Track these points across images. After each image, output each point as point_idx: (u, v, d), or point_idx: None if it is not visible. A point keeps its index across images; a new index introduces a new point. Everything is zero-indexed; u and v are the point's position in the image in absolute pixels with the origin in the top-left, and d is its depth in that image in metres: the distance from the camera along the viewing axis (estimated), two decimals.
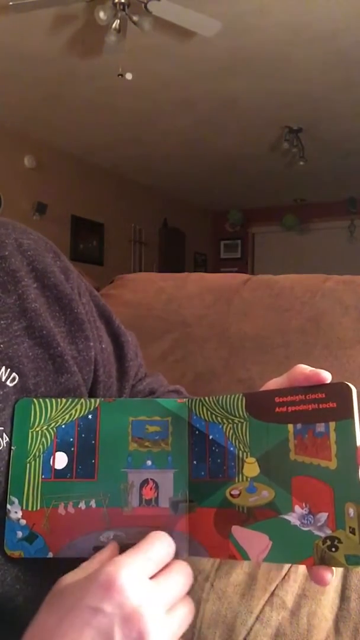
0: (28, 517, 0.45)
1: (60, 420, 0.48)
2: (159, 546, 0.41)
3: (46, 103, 4.48)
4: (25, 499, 0.45)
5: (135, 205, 6.56)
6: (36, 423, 0.47)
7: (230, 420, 0.46)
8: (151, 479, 0.46)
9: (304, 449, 0.41)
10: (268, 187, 6.83)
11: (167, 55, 3.69)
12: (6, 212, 4.82)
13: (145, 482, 0.46)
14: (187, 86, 4.16)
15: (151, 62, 3.78)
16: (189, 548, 0.44)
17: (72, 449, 0.47)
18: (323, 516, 0.39)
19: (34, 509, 0.45)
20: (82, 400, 0.48)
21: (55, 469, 0.46)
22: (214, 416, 0.46)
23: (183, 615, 0.40)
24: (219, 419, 0.46)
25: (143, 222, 6.64)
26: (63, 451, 0.47)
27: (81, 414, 0.48)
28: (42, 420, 0.47)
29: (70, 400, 0.48)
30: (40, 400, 0.48)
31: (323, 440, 0.41)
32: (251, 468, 0.44)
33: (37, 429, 0.47)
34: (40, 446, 0.47)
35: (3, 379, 0.48)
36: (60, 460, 0.47)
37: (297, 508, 0.41)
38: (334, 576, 0.40)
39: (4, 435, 0.47)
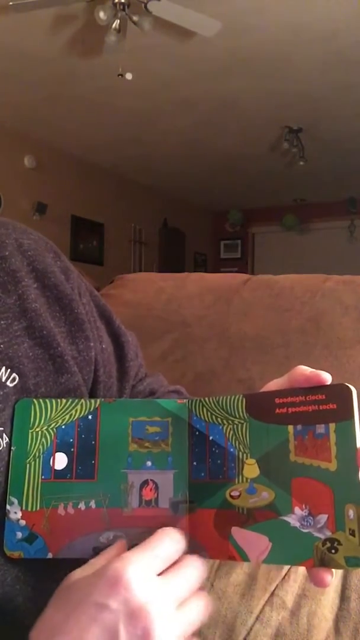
0: (28, 518, 0.45)
1: (60, 421, 0.48)
2: (168, 543, 0.41)
3: (46, 103, 4.48)
4: (25, 499, 0.45)
5: (135, 205, 6.56)
6: (36, 423, 0.47)
7: (230, 421, 0.46)
8: (151, 480, 0.46)
9: (304, 450, 0.41)
10: (268, 187, 6.83)
11: (167, 55, 3.68)
12: (6, 212, 4.82)
13: (145, 483, 0.46)
14: (187, 86, 4.16)
15: (151, 62, 3.78)
16: (189, 549, 0.44)
17: (72, 449, 0.47)
18: (323, 518, 0.39)
19: (34, 509, 0.45)
20: (82, 400, 0.48)
21: (55, 470, 0.46)
22: (214, 417, 0.46)
23: (195, 611, 0.40)
24: (219, 419, 0.46)
25: (143, 222, 6.63)
26: (63, 452, 0.47)
27: (81, 415, 0.48)
28: (42, 421, 0.47)
29: (70, 400, 0.48)
30: (40, 400, 0.48)
31: (323, 442, 0.40)
32: (251, 469, 0.44)
33: (37, 430, 0.47)
34: (40, 447, 0.47)
35: (3, 379, 0.48)
36: (60, 460, 0.47)
37: (297, 509, 0.41)
38: (333, 578, 0.40)
39: (4, 435, 0.47)
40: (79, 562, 0.54)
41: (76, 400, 0.48)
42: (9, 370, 0.48)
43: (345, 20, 3.25)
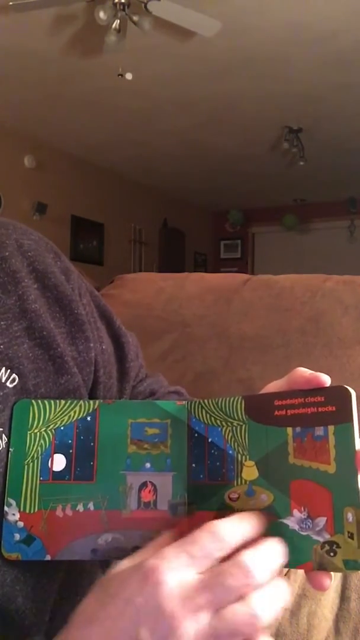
0: (26, 520, 0.45)
1: (59, 422, 0.47)
2: (206, 539, 0.37)
3: (46, 103, 4.48)
4: (23, 501, 0.45)
5: (135, 205, 6.56)
6: (35, 424, 0.47)
7: (229, 423, 0.45)
8: (150, 482, 0.46)
9: (302, 453, 0.41)
10: (268, 187, 6.83)
11: (167, 55, 3.68)
12: (6, 212, 4.82)
13: (144, 485, 0.46)
14: (187, 86, 4.16)
15: (151, 62, 3.78)
16: None
17: (71, 450, 0.47)
18: (322, 520, 0.39)
19: (32, 511, 0.45)
20: (81, 401, 0.48)
21: (53, 471, 0.46)
22: (213, 419, 0.46)
23: (238, 619, 0.35)
24: (218, 421, 0.46)
25: (143, 222, 6.64)
26: (61, 453, 0.47)
27: (80, 416, 0.48)
28: (41, 422, 0.47)
29: (69, 401, 0.48)
30: (39, 401, 0.48)
31: (322, 444, 0.40)
32: (250, 471, 0.43)
33: (36, 431, 0.47)
34: (39, 448, 0.47)
35: (3, 379, 0.48)
36: (59, 462, 0.46)
37: (295, 512, 0.40)
38: (332, 581, 0.40)
39: (3, 436, 0.46)
40: (79, 563, 0.54)
41: (75, 402, 0.48)
42: (8, 370, 0.48)
43: (345, 20, 3.25)
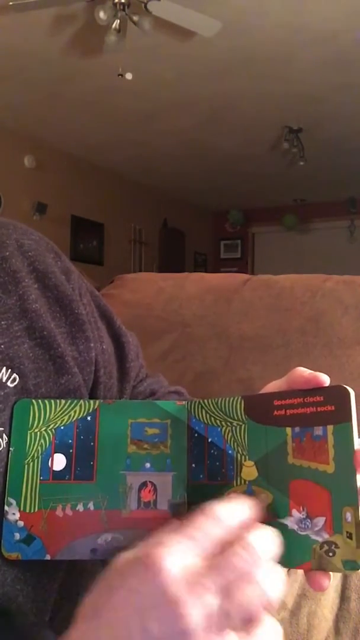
0: (26, 519, 0.45)
1: (59, 422, 0.47)
2: (207, 524, 0.36)
3: (46, 103, 4.48)
4: (23, 500, 0.45)
5: (135, 205, 6.56)
6: (35, 424, 0.47)
7: (229, 423, 0.46)
8: (150, 482, 0.46)
9: (301, 453, 0.41)
10: (268, 187, 6.83)
11: (167, 55, 3.69)
12: (6, 212, 4.82)
13: (143, 485, 0.46)
14: (187, 86, 4.16)
15: (151, 62, 3.78)
16: None
17: (71, 450, 0.47)
18: (320, 520, 0.39)
19: (32, 510, 0.45)
20: (81, 401, 0.48)
21: (53, 471, 0.46)
22: (212, 419, 0.46)
23: (248, 598, 0.34)
24: (217, 421, 0.46)
25: (143, 222, 6.64)
26: (62, 453, 0.47)
27: (80, 416, 0.48)
28: (41, 422, 0.47)
29: (69, 401, 0.48)
30: (39, 401, 0.48)
31: (321, 444, 0.40)
32: (249, 471, 0.44)
33: (36, 430, 0.47)
34: (39, 447, 0.47)
35: (3, 379, 0.48)
36: (59, 461, 0.47)
37: (294, 512, 0.41)
38: (331, 581, 0.40)
39: (4, 436, 0.47)
40: (80, 563, 0.54)
41: (75, 401, 0.48)
42: (9, 370, 0.48)
43: (345, 20, 3.25)
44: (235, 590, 0.34)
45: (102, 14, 2.93)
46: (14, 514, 0.45)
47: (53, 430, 0.47)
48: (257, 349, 1.16)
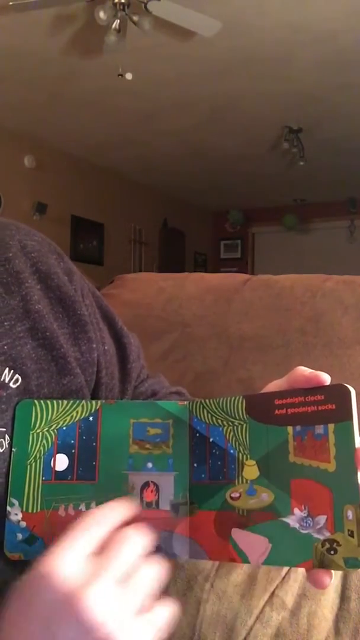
0: (28, 519, 0.45)
1: (61, 422, 0.48)
2: (91, 522, 0.40)
3: (46, 103, 4.48)
4: (26, 501, 0.46)
5: (135, 205, 6.56)
6: (37, 425, 0.47)
7: (230, 423, 0.46)
8: (152, 482, 0.46)
9: (303, 451, 0.41)
10: (268, 187, 6.83)
11: (167, 55, 3.69)
12: (6, 212, 4.82)
13: (146, 485, 0.46)
14: (187, 86, 4.16)
15: (151, 62, 3.78)
16: (190, 551, 0.44)
17: (73, 450, 0.47)
18: (322, 519, 0.39)
19: (34, 511, 0.45)
20: (83, 402, 0.49)
21: (55, 471, 0.46)
22: (214, 418, 0.47)
23: (138, 583, 0.38)
24: (219, 421, 0.46)
25: (143, 222, 6.63)
26: (64, 453, 0.47)
27: (82, 416, 0.48)
28: (43, 422, 0.47)
29: (71, 402, 0.48)
30: (42, 401, 0.48)
31: (322, 443, 0.41)
32: (251, 470, 0.44)
33: (38, 431, 0.47)
34: (41, 448, 0.47)
35: (6, 380, 0.48)
36: (61, 462, 0.47)
37: (296, 510, 0.41)
38: (332, 579, 0.40)
39: (6, 436, 0.47)
40: None
41: (77, 402, 0.48)
42: (12, 371, 0.48)
43: (345, 20, 3.25)
44: (127, 579, 0.38)
45: (102, 14, 2.93)
46: (16, 514, 0.45)
47: (55, 430, 0.47)
48: (257, 349, 1.16)
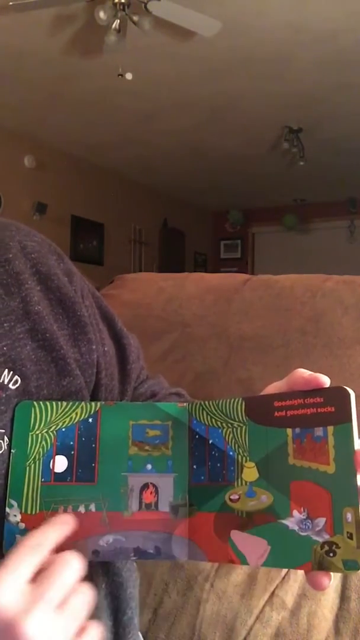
0: (27, 521, 0.45)
1: (60, 424, 0.48)
2: (27, 549, 0.41)
3: (46, 103, 4.48)
4: (25, 502, 0.46)
5: (135, 205, 6.56)
6: (36, 426, 0.47)
7: (229, 425, 0.46)
8: (151, 483, 0.46)
9: (302, 454, 0.41)
10: (268, 187, 6.83)
11: (167, 55, 3.68)
12: (6, 212, 4.82)
13: (145, 486, 0.46)
14: (187, 86, 4.16)
15: (151, 62, 3.78)
16: (189, 552, 0.44)
17: (72, 452, 0.47)
18: (321, 521, 0.39)
19: (33, 512, 0.45)
20: (83, 403, 0.49)
21: (55, 473, 0.46)
22: (214, 420, 0.47)
23: (78, 607, 0.40)
24: (218, 423, 0.46)
25: (143, 222, 6.63)
26: (63, 454, 0.47)
27: (82, 418, 0.48)
28: (43, 424, 0.47)
29: (70, 403, 0.48)
30: (41, 403, 0.48)
31: (321, 445, 0.41)
32: (250, 472, 0.44)
33: (37, 432, 0.47)
34: (40, 449, 0.47)
35: (5, 381, 0.48)
36: (60, 463, 0.47)
37: (295, 513, 0.41)
38: (331, 581, 0.40)
39: (5, 438, 0.47)
40: None
41: (77, 403, 0.48)
42: (11, 372, 0.48)
43: (345, 20, 3.25)
44: (64, 604, 0.39)
45: (102, 14, 2.93)
46: (15, 515, 0.45)
47: (54, 432, 0.47)
48: (257, 349, 1.16)
